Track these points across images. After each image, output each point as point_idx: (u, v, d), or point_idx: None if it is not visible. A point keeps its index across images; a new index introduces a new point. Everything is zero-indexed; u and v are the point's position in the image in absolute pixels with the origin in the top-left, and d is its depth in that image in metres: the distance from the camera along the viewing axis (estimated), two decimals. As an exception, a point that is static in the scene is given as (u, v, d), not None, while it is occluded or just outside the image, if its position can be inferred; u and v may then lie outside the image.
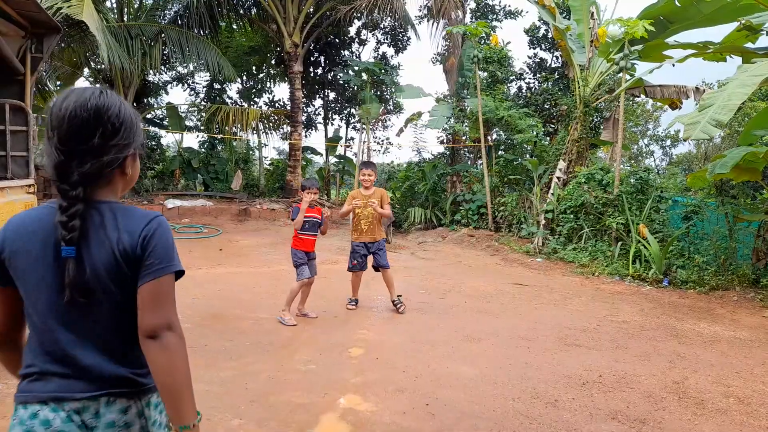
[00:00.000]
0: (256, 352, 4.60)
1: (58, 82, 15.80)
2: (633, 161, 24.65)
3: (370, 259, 6.12)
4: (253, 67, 19.28)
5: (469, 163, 15.88)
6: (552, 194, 10.98)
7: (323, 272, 6.91)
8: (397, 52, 18.67)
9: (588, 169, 10.77)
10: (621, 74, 10.03)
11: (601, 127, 12.84)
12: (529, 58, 16.12)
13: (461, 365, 4.45)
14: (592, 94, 11.19)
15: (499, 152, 13.82)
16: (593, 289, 7.80)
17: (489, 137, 13.83)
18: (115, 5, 15.01)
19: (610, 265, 8.93)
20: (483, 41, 14.69)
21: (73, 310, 1.32)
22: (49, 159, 1.35)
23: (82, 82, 17.71)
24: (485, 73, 14.17)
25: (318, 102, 19.63)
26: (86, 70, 15.60)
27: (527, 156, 13.47)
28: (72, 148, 1.32)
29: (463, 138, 15.26)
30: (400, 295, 6.18)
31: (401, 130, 16.03)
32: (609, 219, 9.54)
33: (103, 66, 13.80)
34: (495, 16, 16.41)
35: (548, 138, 14.74)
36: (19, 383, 1.38)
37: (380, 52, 18.66)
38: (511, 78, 15.25)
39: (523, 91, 16.04)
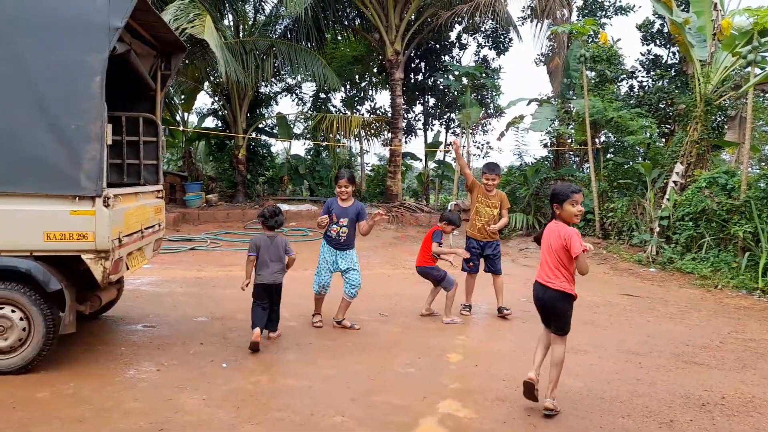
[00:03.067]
0: (356, 352, 4.72)
1: (182, 96, 17.25)
2: (764, 164, 22.30)
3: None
4: (356, 76, 19.82)
5: (574, 167, 15.21)
6: (668, 200, 10.22)
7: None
8: (498, 54, 18.34)
9: (710, 172, 9.91)
10: (749, 68, 9.13)
11: (725, 127, 11.76)
12: (642, 55, 15.15)
13: (565, 377, 4.26)
14: (715, 92, 10.28)
15: (608, 155, 13.09)
16: (715, 303, 7.16)
17: (596, 140, 13.17)
18: (231, 23, 16.12)
19: (735, 277, 8.15)
20: (591, 39, 14.03)
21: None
22: None
23: (202, 96, 19.26)
24: (593, 73, 13.53)
25: (418, 108, 19.78)
26: (206, 84, 16.88)
27: (639, 159, 12.66)
28: None
29: (569, 141, 14.64)
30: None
31: (502, 134, 15.68)
32: (735, 227, 8.70)
33: (221, 80, 14.85)
34: (604, 13, 15.59)
35: (663, 140, 13.74)
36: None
37: (481, 56, 18.44)
38: (622, 77, 14.42)
39: (635, 90, 15.10)
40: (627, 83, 15.20)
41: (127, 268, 4.39)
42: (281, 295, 4.96)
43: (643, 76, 15.13)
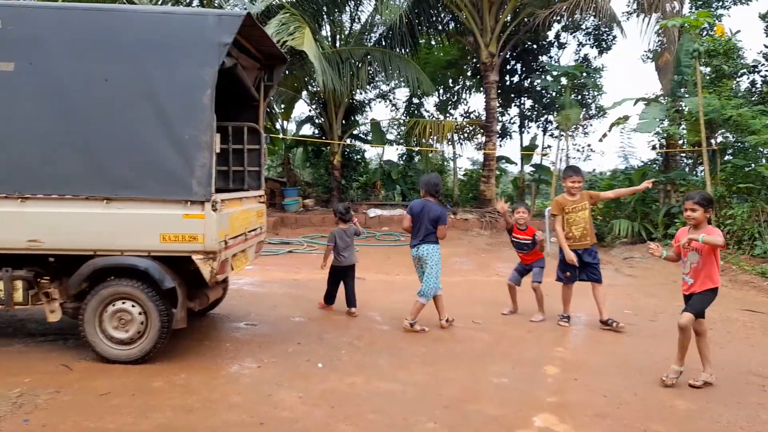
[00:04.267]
0: (449, 359, 4.67)
1: (282, 105, 18.06)
2: None
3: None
4: (450, 80, 19.74)
5: (686, 170, 14.11)
6: (797, 206, 9.19)
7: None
8: (600, 52, 17.49)
9: None
10: None
11: None
12: (766, 47, 13.78)
13: (676, 397, 3.96)
14: None
15: (726, 157, 12.02)
16: None
17: (712, 140, 12.13)
18: (329, 33, 16.67)
19: None
20: (705, 33, 12.97)
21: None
22: None
23: (300, 104, 20.04)
24: (707, 69, 12.49)
25: (513, 110, 19.32)
26: (304, 93, 17.57)
27: (762, 161, 11.50)
28: None
29: (680, 142, 13.62)
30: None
31: (604, 135, 14.89)
32: None
33: (318, 89, 15.39)
34: (721, 3, 14.38)
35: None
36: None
37: (581, 54, 17.68)
38: (742, 72, 13.18)
39: (758, 85, 13.74)
40: (748, 78, 13.88)
41: (232, 269, 4.65)
42: (355, 274, 6.15)
43: (767, 70, 13.76)
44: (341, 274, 6.03)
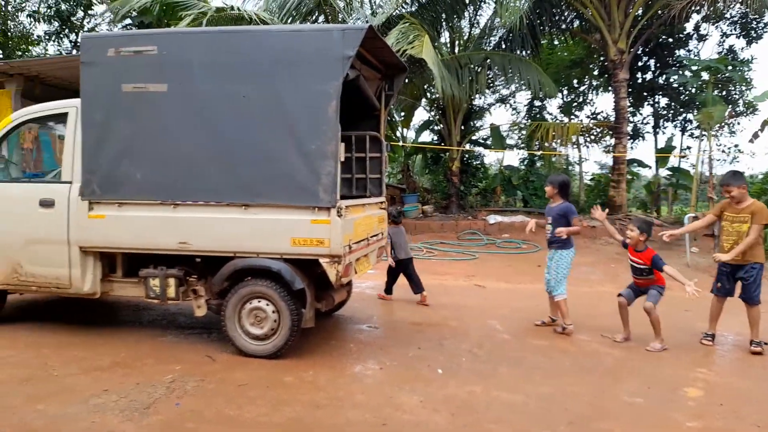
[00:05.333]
0: (575, 373, 4.46)
1: (402, 113, 18.42)
2: None
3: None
4: (574, 81, 18.88)
5: None
6: None
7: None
8: (748, 43, 15.72)
9: None
10: None
11: None
12: None
13: None
14: None
15: None
16: None
17: None
18: (447, 40, 16.73)
19: None
20: None
21: None
22: None
23: (419, 111, 20.28)
24: None
25: (646, 110, 17.98)
26: (423, 100, 17.77)
27: None
28: None
29: None
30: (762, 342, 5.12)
31: (756, 135, 13.32)
32: None
33: (437, 95, 15.49)
34: None
35: None
36: None
37: (726, 46, 16.02)
38: None
39: None
40: None
41: (356, 272, 4.83)
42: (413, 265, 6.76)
43: None
44: (399, 268, 6.66)
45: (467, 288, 7.88)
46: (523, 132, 18.62)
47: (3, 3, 19.01)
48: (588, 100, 19.20)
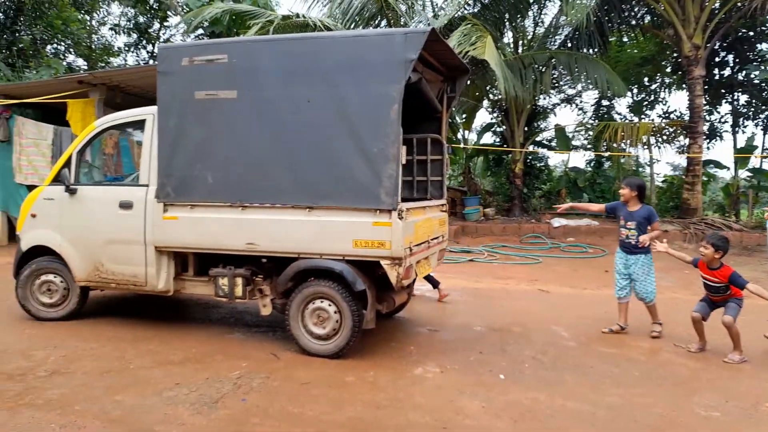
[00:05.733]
0: (645, 383, 4.26)
1: (463, 115, 18.26)
2: None
3: None
4: (645, 78, 18.08)
5: None
6: None
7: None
8: (841, 33, 14.53)
9: None
10: None
11: None
12: None
13: None
14: None
15: None
16: None
17: None
18: (511, 40, 16.45)
19: None
20: None
21: None
22: None
23: (481, 113, 20.02)
24: None
25: (724, 108, 16.96)
26: (485, 102, 17.55)
27: None
28: None
29: None
30: None
31: None
32: None
33: (499, 96, 15.25)
34: None
35: None
36: None
37: (816, 37, 14.87)
38: None
39: None
40: None
41: (416, 275, 4.84)
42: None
43: None
44: None
45: (530, 293, 7.71)
46: (590, 133, 18.02)
47: (88, 18, 20.39)
48: (660, 99, 18.34)
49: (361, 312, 4.52)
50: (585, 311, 6.57)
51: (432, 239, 5.22)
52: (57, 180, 5.42)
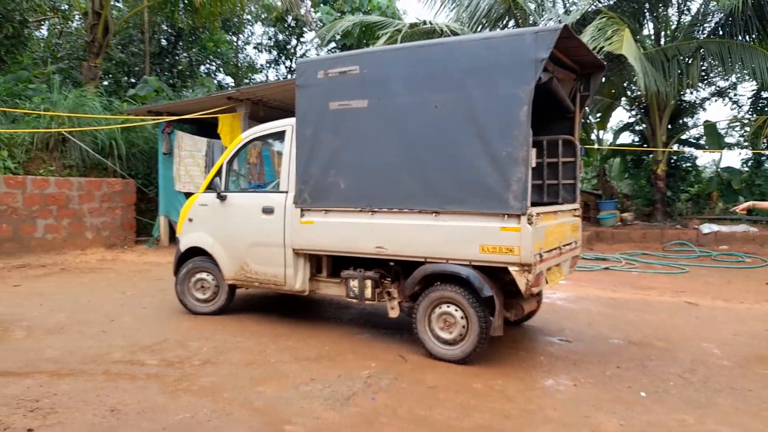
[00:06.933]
0: (821, 414, 3.71)
1: (598, 114, 17.24)
2: None
3: None
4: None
5: None
6: None
7: None
8: None
9: None
10: None
11: None
12: None
13: None
14: None
15: None
16: None
17: None
18: (652, 31, 15.23)
19: None
20: None
21: None
22: None
23: (618, 112, 18.75)
24: None
25: None
26: (623, 99, 16.40)
27: None
28: None
29: None
30: None
31: None
32: None
33: (639, 93, 14.19)
34: None
35: None
36: None
37: None
38: None
39: None
40: None
41: (546, 282, 4.66)
42: None
43: None
44: None
45: (675, 305, 7.06)
46: (747, 128, 16.07)
47: (235, 39, 22.40)
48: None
49: (489, 318, 4.46)
50: (741, 327, 5.88)
51: (564, 245, 5.00)
52: (210, 188, 6.02)
